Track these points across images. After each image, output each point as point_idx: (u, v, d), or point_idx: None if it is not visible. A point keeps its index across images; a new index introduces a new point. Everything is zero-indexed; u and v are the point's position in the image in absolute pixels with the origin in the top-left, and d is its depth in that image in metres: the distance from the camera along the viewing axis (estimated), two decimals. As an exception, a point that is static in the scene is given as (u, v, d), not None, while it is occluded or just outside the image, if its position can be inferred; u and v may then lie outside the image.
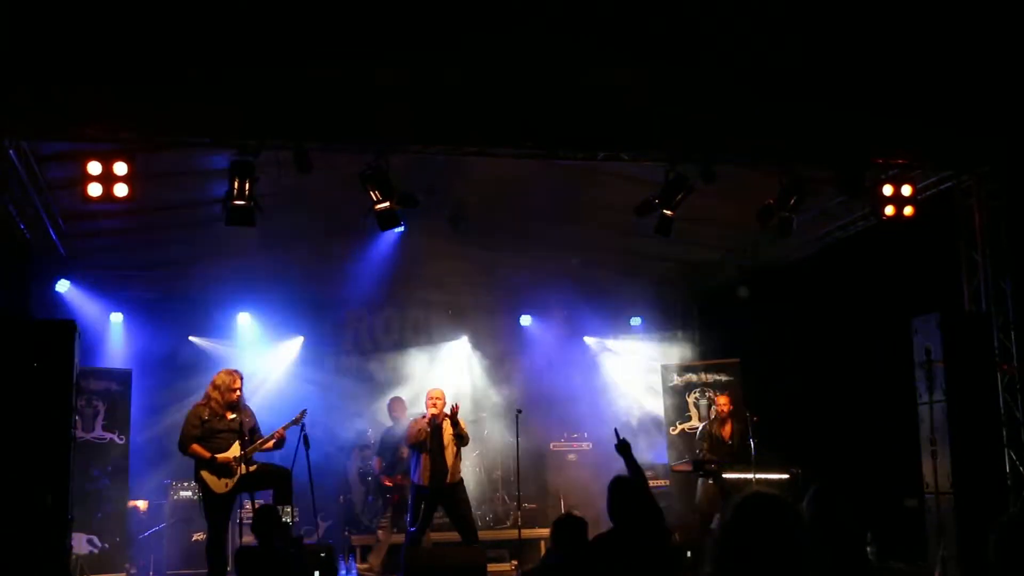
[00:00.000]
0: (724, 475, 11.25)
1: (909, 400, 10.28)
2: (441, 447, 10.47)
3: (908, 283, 11.33)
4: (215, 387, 9.87)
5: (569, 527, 6.56)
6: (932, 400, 9.93)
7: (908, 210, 10.30)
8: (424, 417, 10.56)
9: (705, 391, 14.19)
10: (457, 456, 10.52)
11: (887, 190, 10.26)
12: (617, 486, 6.95)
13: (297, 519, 9.85)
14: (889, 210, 10.29)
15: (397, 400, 13.28)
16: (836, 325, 12.56)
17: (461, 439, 10.46)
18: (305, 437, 9.62)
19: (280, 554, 7.78)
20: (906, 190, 10.29)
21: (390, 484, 12.42)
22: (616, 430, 7.46)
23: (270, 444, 9.80)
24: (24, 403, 8.86)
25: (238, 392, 9.85)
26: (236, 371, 10.07)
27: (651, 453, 14.27)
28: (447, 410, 10.42)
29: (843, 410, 12.38)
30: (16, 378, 8.90)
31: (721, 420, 12.03)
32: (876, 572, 6.73)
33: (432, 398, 10.60)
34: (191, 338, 14.09)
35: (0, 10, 8.17)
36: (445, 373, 14.40)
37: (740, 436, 11.92)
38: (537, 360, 15.29)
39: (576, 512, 7.03)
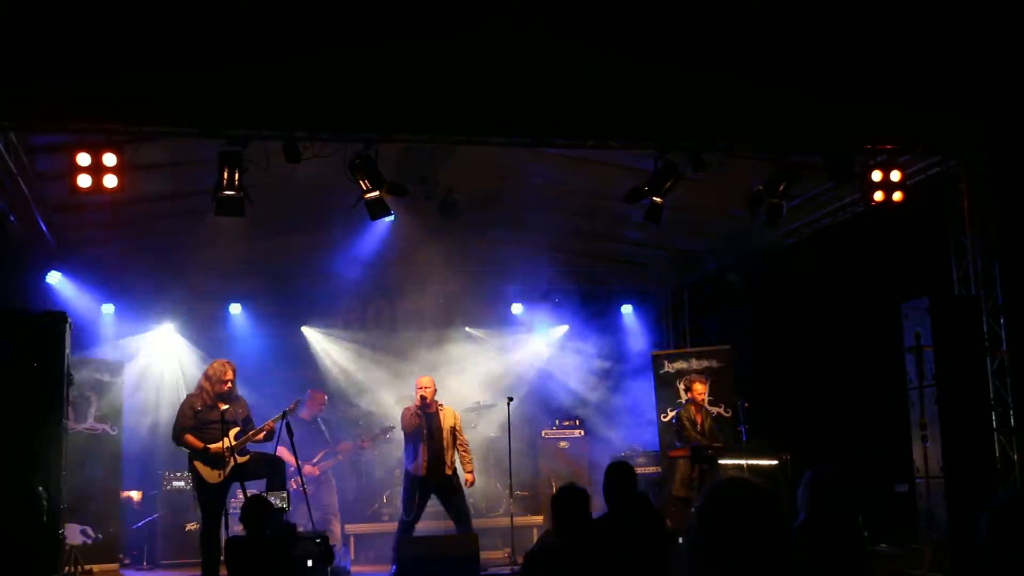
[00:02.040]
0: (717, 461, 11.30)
1: (899, 385, 10.32)
2: (438, 437, 10.48)
3: (897, 268, 11.37)
4: (207, 378, 9.90)
5: (570, 500, 6.35)
6: (922, 385, 9.98)
7: (897, 195, 10.31)
8: (414, 405, 10.60)
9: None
10: (453, 447, 10.57)
11: (876, 176, 10.27)
12: (614, 470, 6.99)
13: (289, 508, 9.87)
14: (878, 196, 10.31)
15: (317, 392, 13.19)
16: (826, 310, 12.60)
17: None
18: (287, 425, 9.66)
19: (270, 543, 7.78)
20: (895, 176, 10.31)
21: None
22: None
23: (261, 435, 9.83)
24: (16, 394, 8.86)
25: (230, 383, 9.86)
26: (228, 362, 10.08)
27: (642, 439, 14.34)
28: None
29: (834, 395, 12.44)
30: (8, 370, 8.89)
31: (697, 405, 12.08)
32: (870, 555, 6.77)
33: (420, 387, 10.62)
34: (181, 329, 14.09)
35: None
36: (436, 362, 14.41)
37: (712, 420, 12.03)
38: (528, 348, 15.33)
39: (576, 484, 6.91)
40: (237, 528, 8.57)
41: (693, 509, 2.98)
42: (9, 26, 8.19)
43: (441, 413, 10.62)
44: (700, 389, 12.12)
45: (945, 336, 9.94)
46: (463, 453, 10.67)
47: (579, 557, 6.13)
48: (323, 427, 12.77)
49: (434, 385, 10.72)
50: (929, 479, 9.82)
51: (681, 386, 14.21)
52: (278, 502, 9.28)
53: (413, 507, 10.35)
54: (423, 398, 10.52)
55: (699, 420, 11.97)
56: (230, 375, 9.90)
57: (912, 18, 9.29)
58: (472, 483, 10.79)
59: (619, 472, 6.99)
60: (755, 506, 2.82)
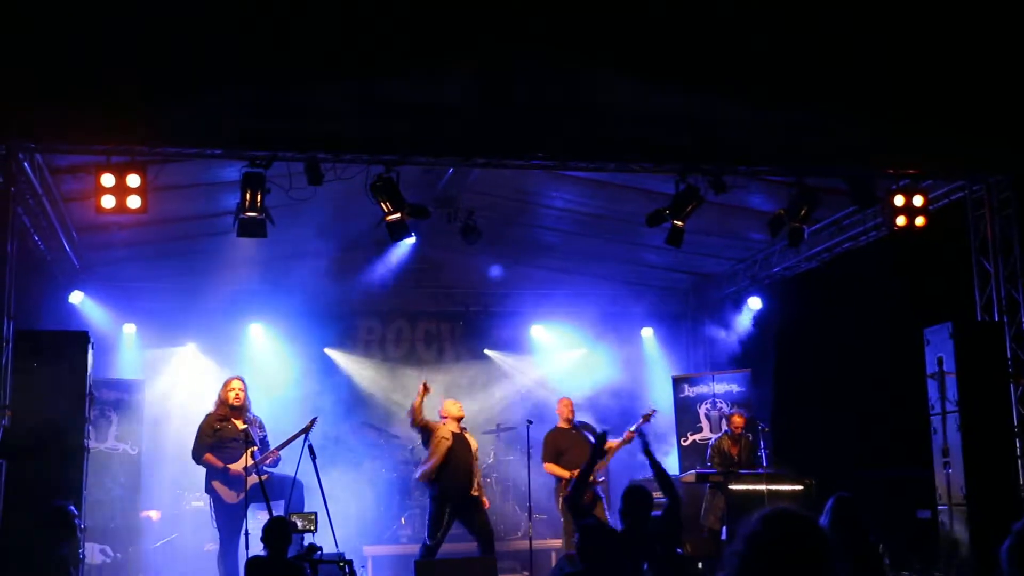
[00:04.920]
0: (732, 486, 11.19)
1: (921, 411, 10.25)
2: (465, 457, 10.48)
3: (920, 293, 11.31)
4: (217, 395, 10.03)
5: (639, 496, 6.72)
6: (944, 411, 9.90)
7: (920, 220, 10.28)
8: (443, 423, 10.62)
9: (716, 402, 14.16)
10: (477, 468, 10.62)
11: (899, 200, 10.25)
12: (631, 495, 6.99)
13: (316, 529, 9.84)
14: (901, 220, 10.27)
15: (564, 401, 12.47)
16: (847, 335, 12.53)
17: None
18: (310, 447, 9.64)
19: (291, 565, 7.77)
20: (918, 200, 10.28)
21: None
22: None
23: (277, 453, 9.85)
24: (38, 413, 8.89)
25: (235, 393, 9.89)
26: (234, 377, 10.16)
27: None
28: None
29: (855, 421, 12.35)
30: (31, 388, 8.94)
31: (734, 438, 11.99)
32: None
33: (449, 408, 10.71)
34: (201, 349, 14.14)
35: (15, 24, 8.24)
36: (456, 383, 14.41)
37: (749, 452, 11.91)
38: (548, 370, 15.30)
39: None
40: (257, 549, 8.57)
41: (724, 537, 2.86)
42: (34, 49, 8.28)
43: (466, 435, 10.67)
44: (738, 422, 12.06)
45: (968, 362, 9.86)
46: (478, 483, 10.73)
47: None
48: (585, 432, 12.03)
49: (462, 409, 10.83)
50: (952, 506, 9.74)
51: (701, 411, 14.16)
52: (303, 523, 9.28)
53: (440, 527, 10.29)
54: (455, 418, 10.62)
55: (735, 452, 11.89)
56: (232, 386, 9.97)
57: (935, 42, 9.27)
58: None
59: (635, 496, 7.00)
60: (810, 542, 2.71)
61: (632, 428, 11.34)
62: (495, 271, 14.32)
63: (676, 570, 7.01)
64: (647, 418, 11.83)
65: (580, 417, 12.37)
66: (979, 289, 10.47)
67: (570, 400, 12.14)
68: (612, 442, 11.17)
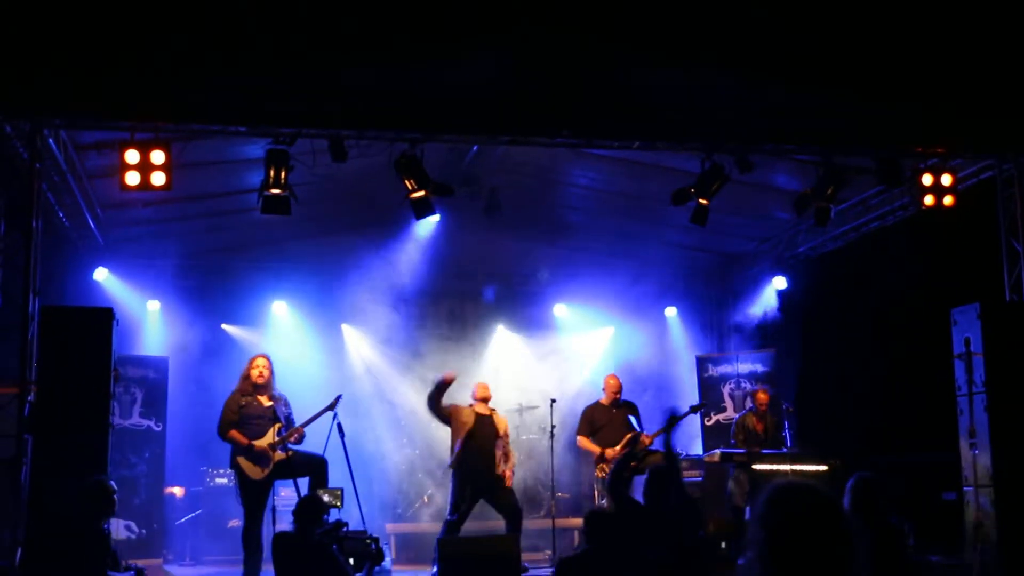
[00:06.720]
0: (756, 466, 11.14)
1: (948, 392, 10.17)
2: (491, 437, 10.46)
3: (948, 273, 11.21)
4: (242, 372, 10.04)
5: (600, 520, 6.37)
6: (971, 392, 9.82)
7: (948, 200, 10.19)
8: (468, 406, 10.59)
9: (740, 382, 14.11)
10: (501, 451, 10.57)
11: (927, 179, 10.16)
12: (655, 476, 7.00)
13: (342, 505, 9.88)
14: (929, 200, 10.18)
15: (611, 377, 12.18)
16: (874, 316, 12.45)
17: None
18: (339, 425, 9.67)
19: (317, 542, 7.80)
20: (946, 179, 10.19)
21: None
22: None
23: (302, 431, 9.85)
24: (64, 390, 8.94)
25: (259, 371, 9.87)
26: (259, 355, 10.15)
27: (685, 444, 14.22)
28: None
29: (881, 401, 12.28)
30: (56, 365, 8.98)
31: (759, 415, 11.92)
32: (915, 566, 6.69)
33: (479, 388, 10.77)
34: (224, 326, 14.17)
35: (41, 2, 8.25)
36: (480, 362, 14.40)
37: (774, 429, 11.84)
38: (571, 349, 15.28)
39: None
40: (281, 525, 8.61)
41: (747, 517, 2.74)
42: (59, 25, 8.28)
43: (495, 417, 10.62)
44: (763, 399, 11.97)
45: (996, 342, 9.76)
46: (507, 460, 10.66)
47: (609, 561, 6.11)
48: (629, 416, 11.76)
49: (488, 391, 10.78)
50: (978, 487, 9.67)
51: (725, 390, 14.12)
52: (330, 499, 9.32)
53: (460, 504, 10.30)
54: (481, 400, 10.59)
55: (760, 428, 11.82)
56: (257, 363, 9.95)
57: (964, 19, 9.15)
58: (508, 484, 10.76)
59: (658, 477, 7.02)
60: (820, 510, 2.63)
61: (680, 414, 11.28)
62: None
63: (699, 552, 6.99)
64: (696, 409, 11.83)
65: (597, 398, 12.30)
66: (1007, 269, 10.37)
67: (616, 378, 11.91)
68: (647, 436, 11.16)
